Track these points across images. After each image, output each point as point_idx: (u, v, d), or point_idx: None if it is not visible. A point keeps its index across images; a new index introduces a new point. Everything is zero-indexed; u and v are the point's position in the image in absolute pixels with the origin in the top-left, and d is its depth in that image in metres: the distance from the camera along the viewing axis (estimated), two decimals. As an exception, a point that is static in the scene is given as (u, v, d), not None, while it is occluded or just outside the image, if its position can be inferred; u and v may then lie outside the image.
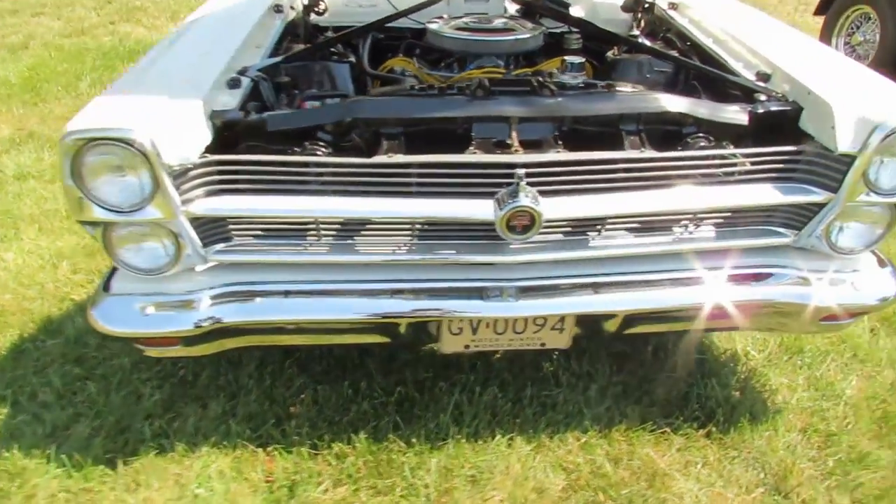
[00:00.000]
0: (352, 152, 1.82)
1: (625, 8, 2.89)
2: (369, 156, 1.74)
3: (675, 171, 1.80)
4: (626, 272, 1.90)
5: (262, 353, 2.45)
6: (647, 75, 2.40)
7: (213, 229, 1.77)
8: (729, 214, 1.90)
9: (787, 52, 2.19)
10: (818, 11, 5.75)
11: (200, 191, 1.69)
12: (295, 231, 1.82)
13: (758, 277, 1.94)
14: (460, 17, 2.54)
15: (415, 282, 1.86)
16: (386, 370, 2.40)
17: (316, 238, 1.82)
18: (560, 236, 1.87)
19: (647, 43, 2.60)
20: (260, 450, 2.13)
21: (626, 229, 1.90)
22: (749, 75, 2.14)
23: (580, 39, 2.58)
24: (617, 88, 2.01)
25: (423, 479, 2.03)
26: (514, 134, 1.81)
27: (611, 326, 1.94)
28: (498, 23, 2.48)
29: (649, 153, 1.80)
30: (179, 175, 1.63)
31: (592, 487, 2.03)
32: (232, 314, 1.81)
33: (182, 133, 1.64)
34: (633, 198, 1.79)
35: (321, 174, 1.73)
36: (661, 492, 2.01)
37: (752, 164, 1.83)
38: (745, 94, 2.03)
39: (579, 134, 1.89)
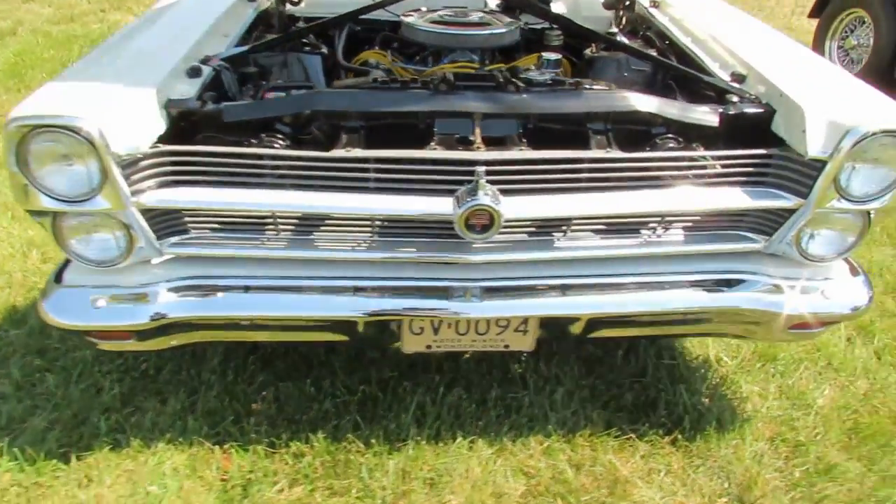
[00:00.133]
0: (311, 145, 1.79)
1: (606, 5, 2.85)
2: (328, 149, 1.70)
3: (642, 173, 1.76)
4: (593, 275, 1.86)
5: (226, 348, 2.41)
6: (625, 74, 2.36)
7: (167, 221, 1.73)
8: (698, 218, 1.86)
9: (764, 53, 2.15)
10: (812, 14, 5.70)
11: (152, 182, 1.65)
12: (253, 225, 1.78)
13: (729, 283, 1.90)
14: (437, 10, 2.49)
15: (376, 279, 1.82)
16: (351, 369, 2.36)
17: (274, 233, 1.78)
18: (524, 237, 1.83)
19: (626, 41, 2.56)
20: (217, 447, 2.08)
21: (593, 231, 1.85)
22: (724, 76, 2.09)
23: (561, 36, 2.53)
24: (585, 86, 1.96)
25: (380, 481, 1.99)
26: (477, 130, 1.77)
27: (575, 329, 1.90)
28: (474, 17, 2.43)
29: (615, 153, 1.76)
30: (129, 165, 1.59)
31: (552, 493, 1.98)
32: (188, 309, 1.78)
33: (133, 122, 1.60)
34: (598, 199, 1.75)
35: (277, 167, 1.69)
36: (622, 499, 1.97)
37: (722, 167, 1.79)
38: (718, 95, 1.99)
39: (546, 132, 1.85)
